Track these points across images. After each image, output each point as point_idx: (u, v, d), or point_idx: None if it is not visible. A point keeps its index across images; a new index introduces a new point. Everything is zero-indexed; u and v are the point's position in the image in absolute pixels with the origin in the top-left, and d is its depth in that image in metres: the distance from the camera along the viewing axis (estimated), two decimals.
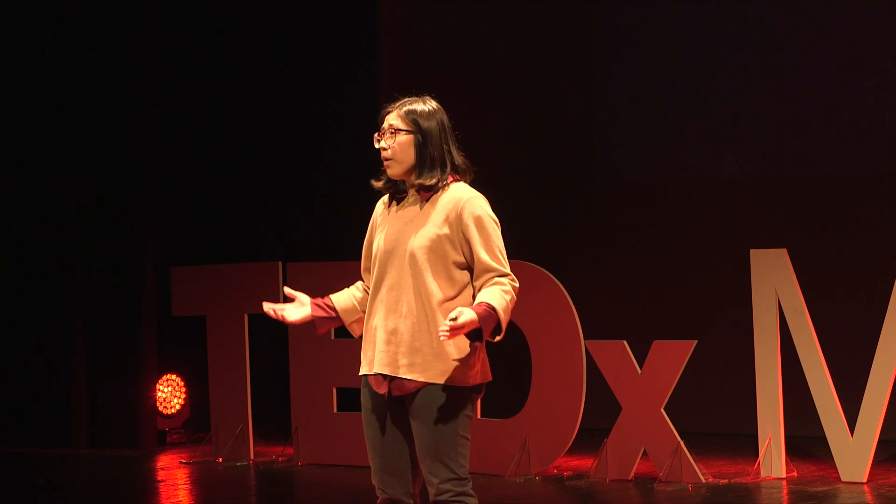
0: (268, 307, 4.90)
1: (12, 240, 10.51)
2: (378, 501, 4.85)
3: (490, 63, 11.24)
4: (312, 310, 4.92)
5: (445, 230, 4.73)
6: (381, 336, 4.77)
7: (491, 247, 4.73)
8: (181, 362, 10.79)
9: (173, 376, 10.77)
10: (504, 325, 4.66)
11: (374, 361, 4.79)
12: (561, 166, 11.09)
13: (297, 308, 4.93)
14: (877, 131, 10.11)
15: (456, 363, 4.70)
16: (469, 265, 4.76)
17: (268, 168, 11.42)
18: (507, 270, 4.74)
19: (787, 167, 10.39)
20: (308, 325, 4.99)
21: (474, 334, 4.63)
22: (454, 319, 4.52)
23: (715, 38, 10.56)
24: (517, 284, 4.75)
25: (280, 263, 9.47)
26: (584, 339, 8.51)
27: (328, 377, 9.28)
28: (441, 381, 4.69)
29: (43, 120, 10.42)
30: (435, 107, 4.85)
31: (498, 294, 4.66)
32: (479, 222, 4.73)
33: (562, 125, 11.09)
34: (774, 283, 8.36)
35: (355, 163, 11.19)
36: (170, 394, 10.73)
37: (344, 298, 4.96)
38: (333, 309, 4.94)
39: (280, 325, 9.46)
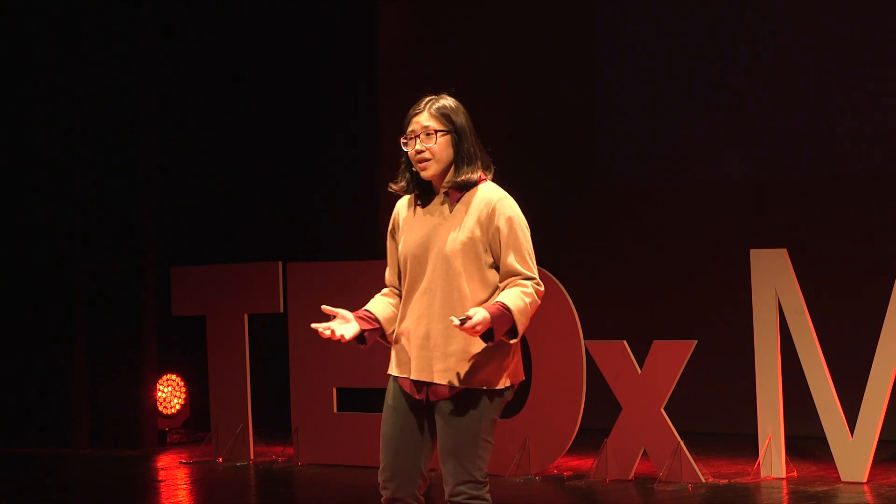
0: (322, 328, 4.76)
1: (12, 240, 10.50)
2: (382, 500, 4.82)
3: (490, 64, 11.23)
4: (360, 324, 4.81)
5: (478, 232, 4.68)
6: (414, 341, 4.72)
7: (520, 250, 4.67)
8: (181, 362, 10.79)
9: (173, 376, 10.77)
10: (521, 328, 4.62)
11: (408, 366, 4.74)
12: (561, 167, 11.09)
13: (344, 325, 4.80)
14: (877, 132, 10.10)
15: (489, 366, 4.66)
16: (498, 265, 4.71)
17: (268, 168, 11.41)
18: (533, 274, 4.68)
19: (787, 167, 10.38)
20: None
21: (486, 334, 4.58)
22: (468, 318, 4.47)
23: (715, 40, 10.56)
24: (542, 289, 4.68)
25: (280, 263, 9.46)
26: (584, 339, 8.51)
27: (328, 377, 9.27)
28: (474, 385, 4.65)
29: (43, 120, 10.41)
30: (457, 103, 4.80)
31: (516, 295, 4.60)
32: (510, 224, 4.67)
33: (562, 126, 11.08)
34: (774, 283, 8.35)
35: (355, 163, 11.23)
36: (170, 394, 10.73)
37: (382, 308, 4.87)
38: (376, 320, 4.84)
39: (279, 325, 9.55)
